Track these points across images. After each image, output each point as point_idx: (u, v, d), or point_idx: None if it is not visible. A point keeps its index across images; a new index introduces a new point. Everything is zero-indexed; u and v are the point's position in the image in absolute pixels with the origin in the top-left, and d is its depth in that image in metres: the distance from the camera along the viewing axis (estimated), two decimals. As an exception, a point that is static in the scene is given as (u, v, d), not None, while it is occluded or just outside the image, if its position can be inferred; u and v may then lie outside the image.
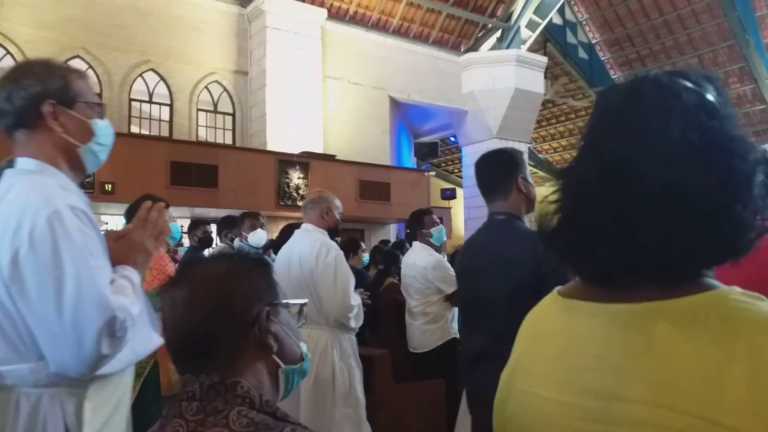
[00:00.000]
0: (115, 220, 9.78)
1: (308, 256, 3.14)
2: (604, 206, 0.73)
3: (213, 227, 5.82)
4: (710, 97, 0.73)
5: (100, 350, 1.30)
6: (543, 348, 0.83)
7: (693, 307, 0.68)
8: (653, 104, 0.73)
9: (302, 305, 1.16)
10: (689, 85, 0.74)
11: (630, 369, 0.69)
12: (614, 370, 0.71)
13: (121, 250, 1.54)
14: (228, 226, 5.27)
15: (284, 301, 1.09)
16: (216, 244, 6.04)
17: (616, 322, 0.73)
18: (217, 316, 0.98)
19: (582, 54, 21.04)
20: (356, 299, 3.22)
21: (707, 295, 0.69)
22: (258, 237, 4.68)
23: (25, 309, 1.29)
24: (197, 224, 5.53)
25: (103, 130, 1.54)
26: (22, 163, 1.44)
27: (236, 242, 5.00)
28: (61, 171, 1.45)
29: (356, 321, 3.24)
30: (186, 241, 6.22)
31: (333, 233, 3.36)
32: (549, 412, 0.78)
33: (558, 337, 0.81)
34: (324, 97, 13.51)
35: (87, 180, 9.47)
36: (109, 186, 9.71)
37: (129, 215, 3.07)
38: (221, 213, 10.77)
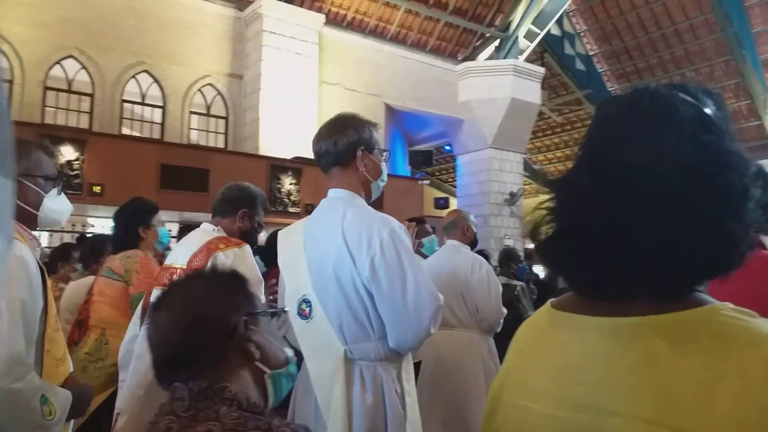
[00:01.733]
0: (102, 223, 9.63)
1: (463, 269, 3.62)
2: (600, 217, 0.73)
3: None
4: (708, 111, 0.74)
5: (430, 329, 1.75)
6: (534, 360, 0.83)
7: (684, 323, 0.69)
8: (650, 117, 0.74)
9: (283, 311, 1.31)
10: (688, 98, 0.75)
11: (620, 383, 0.69)
12: (604, 384, 0.71)
13: None
14: None
15: (262, 310, 1.13)
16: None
17: (607, 336, 0.73)
18: (195, 331, 1.03)
19: (579, 65, 21.06)
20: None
21: (699, 310, 0.69)
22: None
23: (379, 300, 1.74)
24: (187, 230, 5.44)
25: (385, 171, 2.02)
26: (336, 192, 1.94)
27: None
28: (360, 199, 1.93)
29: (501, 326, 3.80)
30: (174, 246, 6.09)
31: (473, 245, 3.88)
32: (538, 425, 0.77)
33: (549, 349, 0.81)
34: (319, 102, 13.42)
35: (75, 182, 9.34)
36: (98, 188, 9.59)
37: (118, 218, 3.02)
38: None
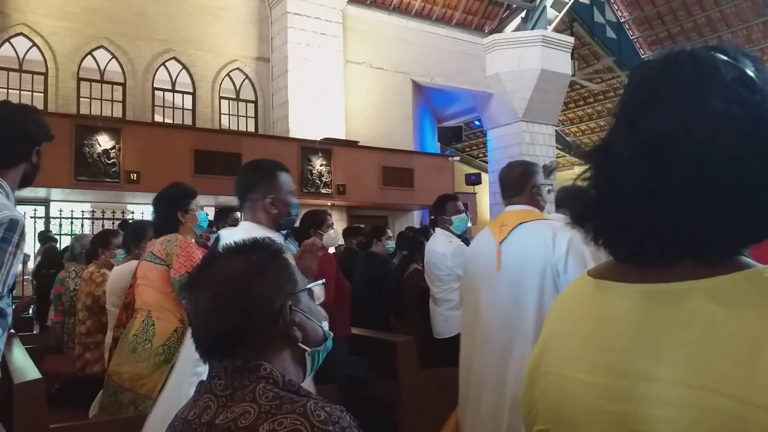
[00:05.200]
0: (141, 209, 9.85)
1: None
2: (638, 182, 0.72)
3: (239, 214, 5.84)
4: (749, 72, 0.72)
5: None
6: (573, 329, 0.83)
7: (728, 286, 0.67)
8: (692, 77, 0.72)
9: (322, 284, 1.21)
10: (727, 59, 0.73)
11: (661, 349, 0.69)
12: (645, 350, 0.70)
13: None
14: None
15: (304, 287, 1.12)
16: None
17: (654, 301, 0.72)
18: (243, 319, 1.01)
19: (610, 33, 20.51)
20: None
21: (745, 273, 0.68)
22: None
23: None
24: (226, 212, 5.57)
25: None
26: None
27: (263, 229, 4.98)
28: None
29: None
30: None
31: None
32: (577, 392, 0.78)
33: (588, 318, 0.80)
34: (345, 82, 13.39)
35: (113, 170, 9.56)
36: (134, 175, 9.79)
37: (157, 203, 3.10)
38: (245, 201, 10.76)
